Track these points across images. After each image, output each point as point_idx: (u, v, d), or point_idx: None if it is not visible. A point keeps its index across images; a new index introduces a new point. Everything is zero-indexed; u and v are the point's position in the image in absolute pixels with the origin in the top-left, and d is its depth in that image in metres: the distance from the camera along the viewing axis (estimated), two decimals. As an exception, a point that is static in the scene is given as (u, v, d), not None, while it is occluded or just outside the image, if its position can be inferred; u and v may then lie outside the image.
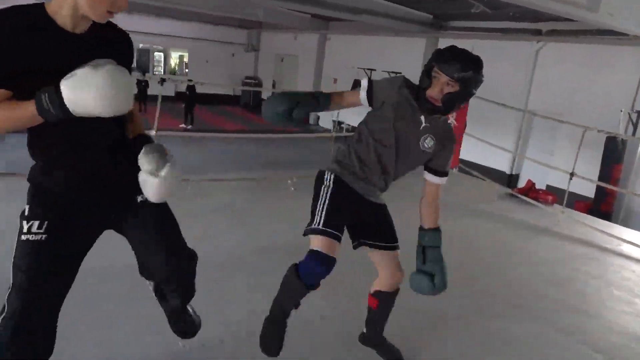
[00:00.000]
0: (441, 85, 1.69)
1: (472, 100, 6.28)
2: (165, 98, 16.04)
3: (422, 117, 1.80)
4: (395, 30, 11.61)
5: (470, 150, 7.64)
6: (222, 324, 2.41)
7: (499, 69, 10.12)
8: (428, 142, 1.82)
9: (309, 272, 1.70)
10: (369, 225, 1.96)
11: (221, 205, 4.33)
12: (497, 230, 4.59)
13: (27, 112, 1.22)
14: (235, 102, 18.92)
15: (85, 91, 1.18)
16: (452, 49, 1.72)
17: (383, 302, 2.08)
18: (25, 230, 1.38)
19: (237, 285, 2.86)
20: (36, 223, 1.39)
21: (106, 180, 1.48)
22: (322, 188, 1.84)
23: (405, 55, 12.38)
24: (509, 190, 5.88)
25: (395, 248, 1.98)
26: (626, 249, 4.42)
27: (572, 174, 4.96)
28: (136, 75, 15.13)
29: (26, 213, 1.41)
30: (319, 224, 1.76)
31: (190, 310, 1.93)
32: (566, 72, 9.05)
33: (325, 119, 15.08)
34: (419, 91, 1.74)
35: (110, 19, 1.38)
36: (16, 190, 4.22)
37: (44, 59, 1.26)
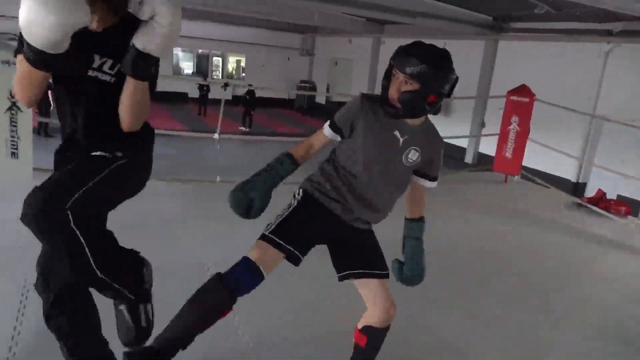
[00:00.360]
0: (398, 85, 1.54)
1: (536, 105, 6.05)
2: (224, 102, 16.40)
3: (397, 133, 1.62)
4: (452, 33, 11.35)
5: (533, 157, 7.32)
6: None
7: (565, 72, 9.68)
8: (412, 155, 1.65)
9: (232, 278, 1.53)
10: (352, 251, 1.74)
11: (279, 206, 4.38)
12: (565, 242, 4.36)
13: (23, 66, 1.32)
14: (290, 106, 19.18)
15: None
16: (413, 43, 1.55)
17: (373, 340, 1.77)
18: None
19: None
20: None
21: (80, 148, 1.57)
22: (289, 203, 1.73)
23: (463, 59, 12.00)
24: (577, 200, 5.58)
25: (384, 276, 1.73)
26: None
27: (649, 184, 4.63)
28: (197, 79, 15.74)
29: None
30: (266, 230, 1.63)
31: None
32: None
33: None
34: (382, 96, 1.59)
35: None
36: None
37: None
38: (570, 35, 9.49)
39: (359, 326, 1.79)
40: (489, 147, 10.63)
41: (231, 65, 20.02)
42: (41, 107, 9.15)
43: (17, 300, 2.41)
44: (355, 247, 1.74)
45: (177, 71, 18.80)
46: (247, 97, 13.71)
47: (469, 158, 11.79)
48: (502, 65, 11.22)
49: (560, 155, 6.47)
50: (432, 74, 1.49)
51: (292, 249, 1.59)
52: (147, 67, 1.41)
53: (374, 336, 1.75)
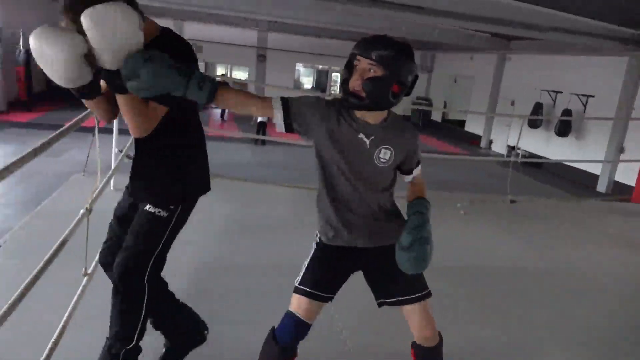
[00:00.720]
0: (361, 72, 1.42)
1: None
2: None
3: (362, 136, 1.50)
4: (588, 49, 10.42)
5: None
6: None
7: None
8: (384, 155, 1.53)
9: (282, 334, 1.60)
10: (383, 276, 1.65)
11: None
12: None
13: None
14: (404, 122, 19.09)
15: None
16: (376, 34, 1.46)
17: (420, 357, 1.68)
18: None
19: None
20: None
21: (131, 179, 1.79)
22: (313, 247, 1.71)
23: (600, 76, 11.00)
24: None
25: (418, 300, 1.61)
26: None
27: None
28: (315, 93, 16.40)
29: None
30: (296, 282, 1.63)
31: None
32: None
33: (499, 142, 14.23)
34: (342, 89, 1.47)
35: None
36: (221, 190, 4.86)
37: None
38: None
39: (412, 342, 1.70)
40: (627, 175, 9.54)
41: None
42: None
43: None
44: (385, 270, 1.64)
45: (297, 86, 19.80)
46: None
47: (602, 187, 10.63)
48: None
49: None
50: (398, 59, 1.41)
51: (323, 294, 1.61)
52: (111, 81, 1.40)
53: (421, 353, 1.67)
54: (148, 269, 1.71)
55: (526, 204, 5.48)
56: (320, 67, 19.95)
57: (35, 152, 1.59)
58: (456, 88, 17.59)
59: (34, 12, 12.85)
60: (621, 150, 10.08)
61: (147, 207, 1.69)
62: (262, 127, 12.38)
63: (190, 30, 17.30)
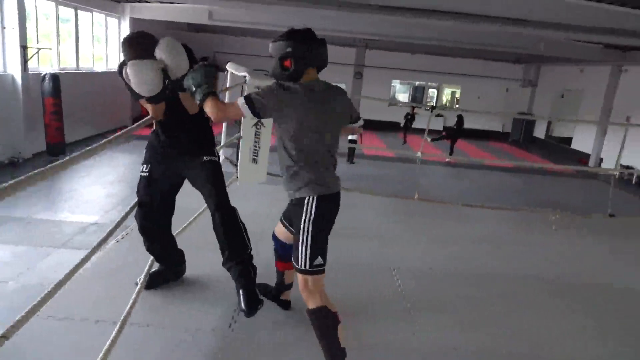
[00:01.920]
0: None
1: None
2: (432, 132, 16.64)
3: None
4: None
5: None
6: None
7: None
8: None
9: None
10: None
11: (482, 232, 4.43)
12: None
13: None
14: (504, 138, 18.34)
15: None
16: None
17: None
18: (140, 170, 2.60)
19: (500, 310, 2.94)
20: (144, 166, 2.59)
21: (182, 147, 2.55)
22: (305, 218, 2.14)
23: None
24: None
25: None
26: None
27: None
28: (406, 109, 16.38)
29: (142, 161, 2.63)
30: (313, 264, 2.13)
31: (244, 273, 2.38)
32: None
33: (610, 161, 13.11)
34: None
35: None
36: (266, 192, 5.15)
37: None
38: None
39: None
40: None
41: (445, 97, 20.23)
42: None
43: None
44: None
45: (392, 102, 19.91)
46: (455, 126, 13.67)
47: None
48: None
49: None
50: (275, 44, 2.09)
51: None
52: (178, 85, 2.26)
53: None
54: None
55: (629, 219, 5.13)
56: (417, 83, 19.92)
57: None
58: (563, 103, 16.53)
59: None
60: None
61: (205, 157, 2.51)
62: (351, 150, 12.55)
63: (292, 50, 18.35)
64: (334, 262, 3.37)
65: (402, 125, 15.25)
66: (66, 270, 1.78)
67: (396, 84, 20.05)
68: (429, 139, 15.11)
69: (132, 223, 2.79)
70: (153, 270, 2.70)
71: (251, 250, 2.47)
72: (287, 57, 2.04)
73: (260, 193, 4.90)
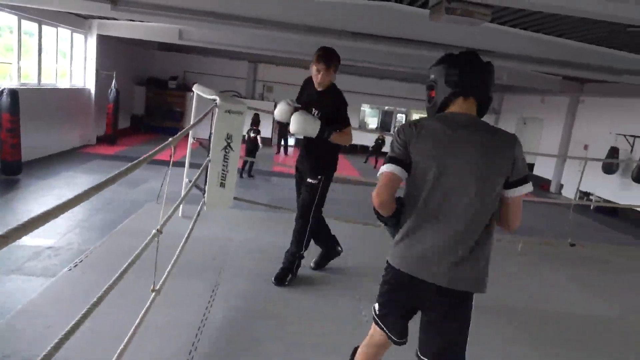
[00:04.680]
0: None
1: None
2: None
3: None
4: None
5: None
6: None
7: None
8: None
9: None
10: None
11: None
12: None
13: None
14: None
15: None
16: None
17: None
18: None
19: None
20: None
21: (301, 164, 3.58)
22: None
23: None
24: None
25: None
26: None
27: None
28: (376, 134, 16.63)
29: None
30: None
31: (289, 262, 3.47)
32: None
33: (569, 187, 13.57)
34: None
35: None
36: (283, 221, 5.12)
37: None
38: None
39: None
40: None
41: (413, 122, 20.57)
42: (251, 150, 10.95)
43: (206, 299, 2.98)
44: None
45: (362, 126, 20.14)
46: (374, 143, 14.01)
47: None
48: None
49: None
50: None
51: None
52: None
53: None
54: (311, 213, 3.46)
55: (590, 249, 5.24)
56: (386, 107, 20.25)
57: (113, 179, 1.87)
58: (525, 130, 17.10)
59: (124, 57, 14.33)
60: None
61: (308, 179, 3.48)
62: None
63: (263, 72, 18.37)
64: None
65: (371, 149, 15.41)
66: (18, 298, 1.64)
67: (366, 108, 20.31)
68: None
69: (91, 246, 2.63)
70: (318, 258, 3.81)
71: (302, 252, 3.47)
72: None
73: (224, 218, 4.78)
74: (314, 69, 3.27)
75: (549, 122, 15.26)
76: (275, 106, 3.45)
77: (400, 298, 1.69)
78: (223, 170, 4.04)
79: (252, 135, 11.34)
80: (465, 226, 1.57)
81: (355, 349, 1.92)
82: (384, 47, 8.52)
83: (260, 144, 11.36)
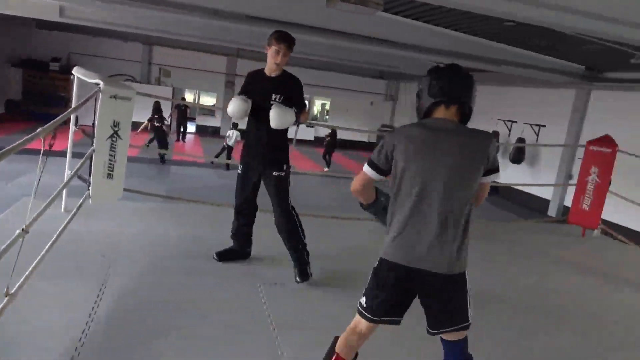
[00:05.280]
0: None
1: (631, 160, 5.69)
2: (305, 142, 17.09)
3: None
4: (540, 81, 11.05)
5: (623, 212, 6.84)
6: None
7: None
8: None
9: None
10: None
11: (349, 243, 4.51)
12: (636, 303, 4.01)
13: None
14: (370, 149, 19.46)
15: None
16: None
17: None
18: (238, 168, 3.50)
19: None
20: (240, 165, 3.48)
21: (260, 157, 3.36)
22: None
23: (551, 107, 11.64)
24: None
25: None
26: None
27: None
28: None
29: (240, 160, 3.51)
30: None
31: (299, 256, 3.38)
32: None
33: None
34: None
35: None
36: (181, 212, 4.88)
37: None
38: (672, 87, 8.84)
39: None
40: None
41: (316, 108, 20.89)
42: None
43: (92, 299, 2.77)
44: None
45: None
46: (329, 138, 14.20)
47: (552, 211, 11.12)
48: (594, 115, 10.64)
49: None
50: None
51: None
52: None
53: None
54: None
55: (478, 226, 5.70)
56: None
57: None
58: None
59: None
60: (570, 176, 10.60)
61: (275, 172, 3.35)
62: (227, 152, 12.37)
63: (159, 56, 17.39)
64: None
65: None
66: None
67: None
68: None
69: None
70: (226, 249, 3.64)
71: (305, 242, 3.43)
72: None
73: (115, 211, 4.47)
74: (272, 50, 3.18)
75: (441, 108, 16.31)
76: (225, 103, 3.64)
77: (394, 286, 1.86)
78: (110, 160, 3.76)
79: (156, 124, 10.82)
80: (452, 218, 1.79)
81: (336, 338, 2.01)
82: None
83: (168, 133, 11.00)
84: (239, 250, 3.65)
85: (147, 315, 2.72)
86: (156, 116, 11.16)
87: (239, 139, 12.55)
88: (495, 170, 1.89)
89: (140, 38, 15.76)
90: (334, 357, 1.95)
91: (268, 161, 3.33)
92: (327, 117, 20.18)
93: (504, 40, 8.78)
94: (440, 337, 1.90)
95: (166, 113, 13.42)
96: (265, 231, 3.67)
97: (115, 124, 3.77)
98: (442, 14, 7.05)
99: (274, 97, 3.21)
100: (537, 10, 4.11)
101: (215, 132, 18.04)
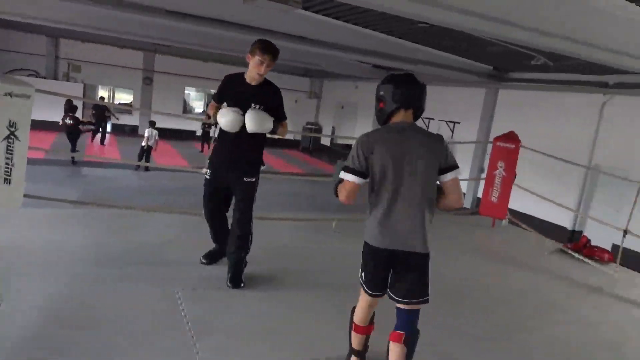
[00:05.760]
0: None
1: (533, 153, 6.16)
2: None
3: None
4: (454, 81, 11.68)
5: (531, 203, 7.39)
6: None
7: (562, 122, 9.86)
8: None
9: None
10: None
11: (270, 243, 4.46)
12: (542, 286, 4.38)
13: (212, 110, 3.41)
14: (295, 146, 19.54)
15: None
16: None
17: None
18: (206, 174, 3.45)
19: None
20: (208, 171, 3.43)
21: (233, 164, 3.32)
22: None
23: (464, 105, 12.36)
24: (561, 246, 5.59)
25: None
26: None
27: (625, 231, 4.68)
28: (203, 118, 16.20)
29: (206, 167, 3.49)
30: None
31: (237, 262, 3.37)
32: (635, 126, 8.62)
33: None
34: None
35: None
36: (94, 218, 4.59)
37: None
38: (567, 86, 9.71)
39: None
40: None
41: (241, 106, 20.58)
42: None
43: None
44: None
45: (188, 110, 19.38)
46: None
47: (467, 203, 11.83)
48: (502, 113, 11.45)
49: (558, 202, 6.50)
50: None
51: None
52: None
53: None
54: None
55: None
56: (212, 91, 19.78)
57: None
58: (343, 114, 18.49)
59: None
60: (482, 170, 11.32)
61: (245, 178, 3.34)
62: (146, 153, 11.85)
63: (67, 49, 16.21)
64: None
65: (201, 134, 15.00)
66: None
67: (191, 91, 19.56)
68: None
69: None
70: (212, 250, 3.69)
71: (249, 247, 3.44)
72: None
73: (17, 219, 4.11)
74: (256, 60, 3.12)
75: (363, 106, 16.74)
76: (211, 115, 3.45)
77: (382, 266, 2.22)
78: (7, 164, 3.43)
79: (68, 122, 10.13)
80: (419, 205, 2.14)
81: (354, 308, 2.41)
82: (201, 28, 8.21)
83: (83, 131, 10.40)
84: (221, 250, 3.61)
85: (55, 330, 2.52)
86: (70, 114, 10.45)
87: (157, 137, 12.07)
88: (455, 166, 2.19)
89: (44, 30, 14.57)
90: (352, 326, 2.40)
91: (240, 167, 3.29)
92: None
93: (419, 41, 9.16)
94: (397, 308, 2.23)
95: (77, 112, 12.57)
96: (187, 235, 3.54)
97: (12, 124, 3.45)
98: (359, 13, 7.21)
99: (253, 106, 3.16)
100: (443, 13, 4.34)
101: (133, 130, 17.18)
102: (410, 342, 2.20)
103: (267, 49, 3.14)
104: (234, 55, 14.27)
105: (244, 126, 3.12)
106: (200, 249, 3.73)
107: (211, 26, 8.04)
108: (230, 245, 3.38)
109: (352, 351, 2.45)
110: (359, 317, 2.37)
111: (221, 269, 3.65)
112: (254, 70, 3.16)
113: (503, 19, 4.53)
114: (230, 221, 3.52)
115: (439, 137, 2.23)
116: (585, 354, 3.15)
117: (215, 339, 2.68)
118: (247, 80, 3.23)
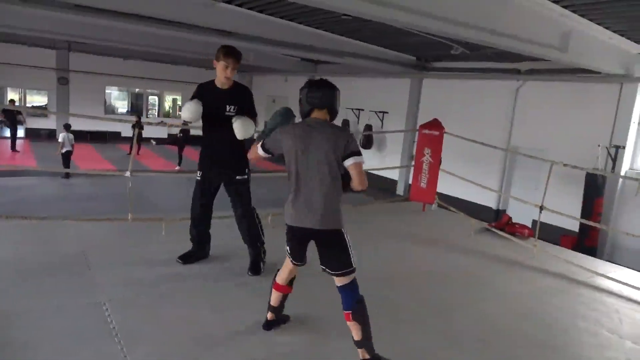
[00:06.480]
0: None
1: (456, 139, 6.41)
2: (161, 140, 16.12)
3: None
4: (381, 72, 11.96)
5: (457, 186, 7.72)
6: None
7: (482, 107, 10.41)
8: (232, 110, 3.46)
9: None
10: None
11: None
12: (470, 264, 4.61)
13: None
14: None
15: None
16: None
17: None
18: (197, 175, 3.68)
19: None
20: (199, 172, 3.66)
21: (222, 164, 3.57)
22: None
23: (392, 95, 12.70)
24: (486, 225, 5.91)
25: None
26: (598, 281, 4.43)
27: (541, 207, 5.02)
28: (132, 118, 15.48)
29: (198, 168, 3.68)
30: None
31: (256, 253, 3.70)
32: (545, 109, 9.28)
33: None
34: None
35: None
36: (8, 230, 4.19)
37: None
38: (484, 74, 10.26)
39: None
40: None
41: (168, 104, 19.87)
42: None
43: None
44: None
45: (110, 110, 18.40)
46: (181, 134, 13.58)
47: (400, 190, 12.22)
48: (427, 101, 11.88)
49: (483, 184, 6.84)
50: None
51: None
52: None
53: None
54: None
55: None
56: (137, 90, 18.90)
57: None
58: (275, 108, 18.29)
59: None
60: (412, 157, 11.71)
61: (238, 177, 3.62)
62: (66, 158, 11.11)
63: (-33, 49, 14.81)
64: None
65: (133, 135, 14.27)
66: None
67: (112, 90, 18.58)
68: (153, 142, 14.65)
69: None
70: (187, 251, 3.80)
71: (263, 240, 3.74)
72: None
73: None
74: (221, 64, 3.37)
75: (294, 100, 16.61)
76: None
77: (296, 240, 2.62)
78: None
79: None
80: (323, 187, 2.48)
81: (277, 270, 2.81)
82: (116, 23, 7.79)
83: None
84: (198, 251, 3.83)
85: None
86: None
87: (73, 141, 11.37)
88: (355, 153, 2.48)
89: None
90: (273, 284, 2.80)
91: (231, 167, 3.57)
92: (180, 112, 19.32)
93: (343, 33, 9.27)
94: (336, 287, 2.55)
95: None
96: (112, 242, 3.34)
97: None
98: (283, 6, 7.16)
99: (228, 108, 3.43)
100: (359, 4, 4.45)
101: (50, 135, 16.04)
102: (357, 316, 2.50)
103: (230, 53, 3.39)
104: (158, 52, 13.72)
105: (224, 129, 3.38)
106: (127, 255, 3.55)
107: (128, 21, 7.65)
108: (244, 240, 3.71)
109: (269, 307, 2.85)
110: (280, 277, 2.78)
111: (149, 273, 3.51)
112: (221, 75, 3.41)
113: (418, 10, 4.69)
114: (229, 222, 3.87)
115: (343, 130, 2.60)
116: (511, 326, 3.34)
117: (145, 347, 2.56)
118: (218, 85, 3.48)
